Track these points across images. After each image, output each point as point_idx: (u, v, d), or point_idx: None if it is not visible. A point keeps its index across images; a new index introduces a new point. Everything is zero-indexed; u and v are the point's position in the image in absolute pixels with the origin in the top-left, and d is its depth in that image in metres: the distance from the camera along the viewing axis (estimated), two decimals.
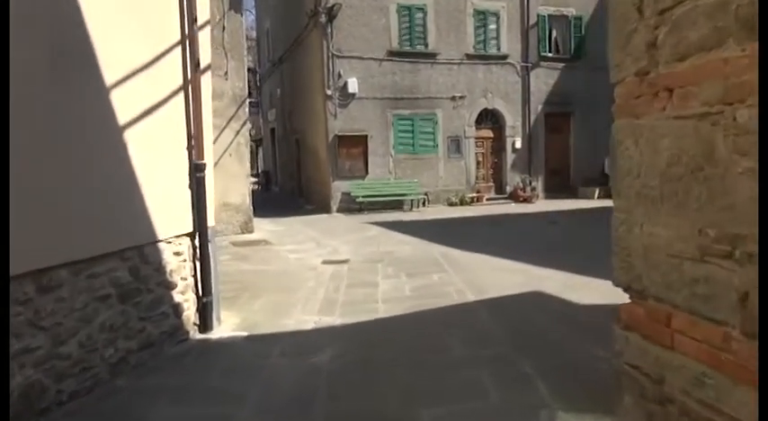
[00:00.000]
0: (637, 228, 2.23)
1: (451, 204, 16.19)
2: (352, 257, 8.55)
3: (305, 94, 17.45)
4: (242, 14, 11.34)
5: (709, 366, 1.84)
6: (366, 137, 15.48)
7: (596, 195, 16.94)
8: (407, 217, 14.10)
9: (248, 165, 11.90)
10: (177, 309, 4.56)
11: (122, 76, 3.96)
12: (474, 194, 16.65)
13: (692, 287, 1.92)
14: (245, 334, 4.91)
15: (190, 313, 4.74)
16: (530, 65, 17.17)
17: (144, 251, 4.17)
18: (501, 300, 5.76)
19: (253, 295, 6.31)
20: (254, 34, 30.36)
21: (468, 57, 16.47)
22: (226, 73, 11.08)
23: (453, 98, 16.39)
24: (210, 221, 4.94)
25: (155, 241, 4.30)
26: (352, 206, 15.10)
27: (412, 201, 15.69)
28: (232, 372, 3.98)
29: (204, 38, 4.89)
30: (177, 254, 4.59)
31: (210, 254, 4.91)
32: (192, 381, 3.83)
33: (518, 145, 17.34)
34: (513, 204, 16.44)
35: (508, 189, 17.30)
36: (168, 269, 4.46)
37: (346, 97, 15.20)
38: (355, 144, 15.43)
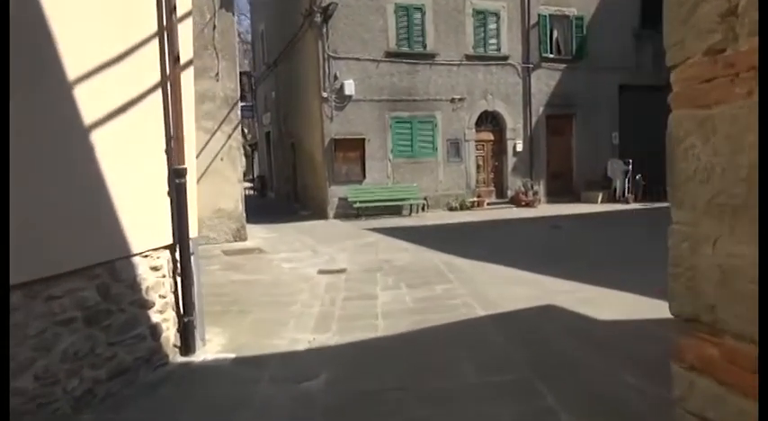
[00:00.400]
0: (707, 245, 1.78)
1: (452, 209, 15.75)
2: (349, 266, 8.09)
3: (300, 96, 17.01)
4: (233, 13, 10.89)
5: None
6: (363, 140, 15.03)
7: (600, 200, 16.53)
8: (406, 222, 13.64)
9: (241, 169, 11.43)
10: (155, 331, 4.09)
11: (88, 70, 3.50)
12: (474, 199, 16.20)
13: None
14: (231, 356, 4.44)
15: (169, 334, 4.27)
16: (530, 66, 16.77)
17: (115, 267, 3.71)
18: (512, 315, 5.30)
19: (242, 309, 5.84)
20: (249, 38, 29.96)
21: (468, 58, 16.06)
22: (217, 74, 10.62)
23: (453, 100, 15.97)
24: (193, 232, 4.46)
25: (128, 255, 3.84)
26: (349, 212, 14.64)
27: (411, 206, 15.24)
28: (214, 405, 3.51)
29: (185, 30, 4.43)
30: (155, 269, 4.12)
31: (193, 268, 4.44)
32: (167, 417, 3.36)
33: (519, 148, 16.91)
34: (514, 209, 16.00)
35: (509, 193, 16.86)
36: (144, 286, 3.99)
37: (343, 99, 14.77)
38: (352, 148, 14.98)
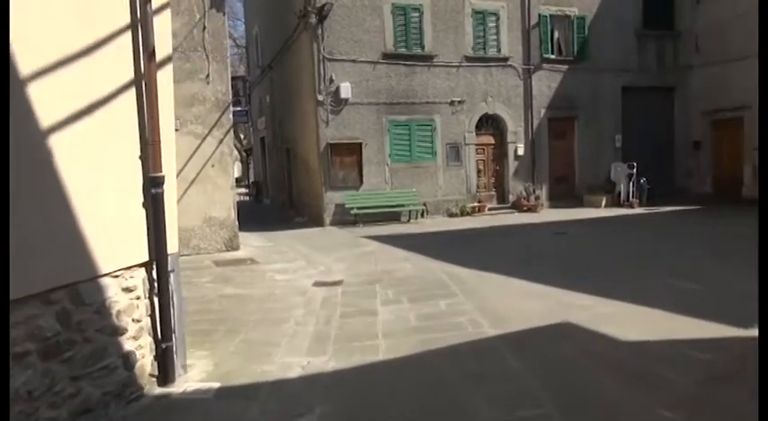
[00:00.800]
0: None
1: (452, 215, 15.28)
2: (346, 278, 7.62)
3: (295, 100, 16.55)
4: (224, 14, 10.45)
5: None
6: (360, 145, 14.56)
7: (603, 204, 16.09)
8: (406, 229, 13.17)
9: (233, 176, 10.96)
10: (127, 360, 3.63)
11: (46, 64, 3.06)
12: (475, 204, 15.74)
13: None
14: (216, 385, 3.98)
15: (145, 363, 3.80)
16: (531, 67, 16.34)
17: (78, 290, 3.25)
18: (525, 334, 4.84)
19: (230, 329, 5.37)
20: (244, 43, 29.50)
21: (467, 59, 15.62)
22: (207, 76, 10.18)
23: (452, 103, 15.52)
24: (173, 247, 4.00)
25: (95, 276, 3.38)
26: (346, 218, 14.17)
27: (410, 212, 14.77)
28: None
29: (162, 23, 3.98)
30: (127, 290, 3.66)
31: (172, 287, 3.97)
32: None
33: (520, 151, 16.45)
34: (516, 214, 15.54)
35: (511, 198, 16.40)
36: (114, 310, 3.53)
37: (339, 103, 14.31)
38: (349, 152, 14.50)
